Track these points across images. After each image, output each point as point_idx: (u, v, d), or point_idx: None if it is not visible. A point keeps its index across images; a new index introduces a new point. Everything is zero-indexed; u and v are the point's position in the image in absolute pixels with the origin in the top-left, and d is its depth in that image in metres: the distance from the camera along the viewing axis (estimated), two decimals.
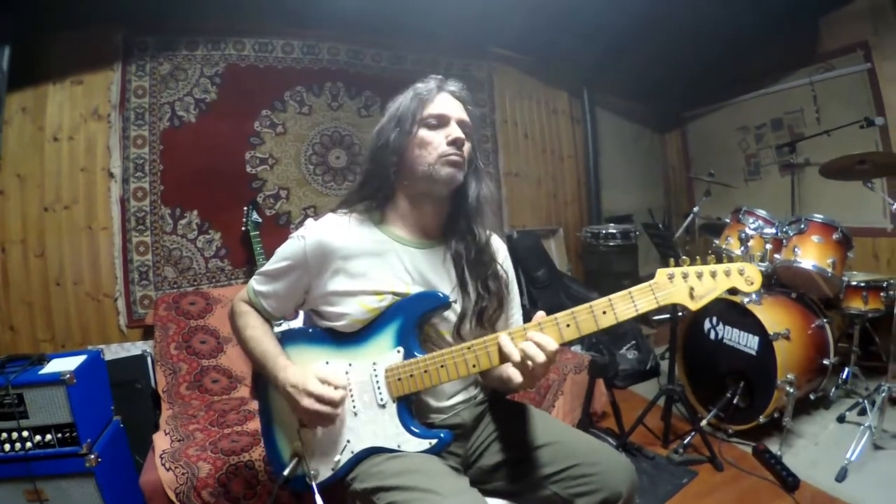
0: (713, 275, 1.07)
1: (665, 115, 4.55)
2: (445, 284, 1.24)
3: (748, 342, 2.36)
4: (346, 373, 1.20)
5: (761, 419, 2.27)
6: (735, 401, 2.35)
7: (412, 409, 1.20)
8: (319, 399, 1.12)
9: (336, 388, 1.14)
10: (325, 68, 3.11)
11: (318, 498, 1.18)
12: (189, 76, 2.80)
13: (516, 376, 1.11)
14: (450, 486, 1.06)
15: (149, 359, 2.50)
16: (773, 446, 2.21)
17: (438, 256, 1.25)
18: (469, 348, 1.12)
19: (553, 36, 3.44)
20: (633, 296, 1.07)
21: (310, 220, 1.27)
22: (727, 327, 2.47)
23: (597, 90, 4.07)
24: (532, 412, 1.33)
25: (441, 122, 1.21)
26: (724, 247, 2.73)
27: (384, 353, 1.18)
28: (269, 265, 1.27)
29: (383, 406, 1.18)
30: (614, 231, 3.65)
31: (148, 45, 2.72)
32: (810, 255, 2.40)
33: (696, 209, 3.29)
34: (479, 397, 1.35)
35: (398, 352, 1.17)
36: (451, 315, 1.24)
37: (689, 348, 2.65)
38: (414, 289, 1.21)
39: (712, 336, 2.53)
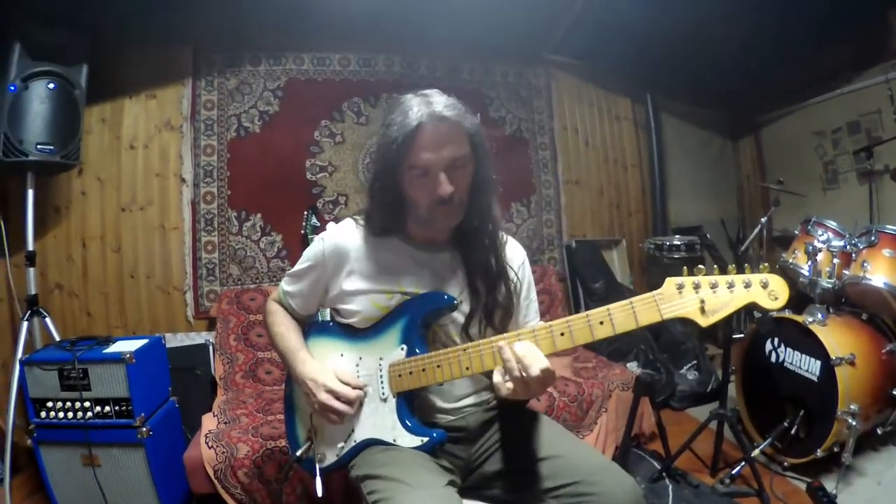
0: (730, 286, 0.95)
1: (736, 120, 4.28)
2: (453, 287, 1.27)
3: (809, 366, 2.15)
4: (357, 365, 1.27)
5: (819, 453, 2.05)
6: (794, 430, 2.15)
7: (412, 405, 1.24)
8: (336, 396, 1.20)
9: (353, 387, 1.22)
10: (382, 80, 3.23)
11: (318, 480, 1.28)
12: (253, 90, 3.02)
13: (502, 386, 1.06)
14: (425, 480, 1.09)
15: (210, 348, 2.71)
16: (831, 484, 2.00)
17: (447, 260, 1.29)
18: (465, 350, 1.14)
19: (609, 41, 3.36)
20: (634, 306, 0.99)
21: (331, 224, 1.37)
22: (789, 349, 2.26)
23: (661, 95, 3.91)
24: (543, 422, 1.31)
25: (425, 172, 1.14)
26: (790, 261, 2.53)
27: (390, 349, 1.24)
28: (296, 266, 1.37)
29: (384, 400, 1.23)
30: (678, 243, 3.48)
31: (215, 61, 2.98)
32: (881, 271, 2.15)
33: (763, 220, 3.06)
34: (491, 402, 1.36)
35: (402, 349, 1.22)
36: (459, 317, 1.26)
37: (749, 371, 2.45)
38: (422, 290, 1.25)
39: (773, 358, 2.33)
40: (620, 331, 1.00)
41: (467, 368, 1.13)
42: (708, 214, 4.08)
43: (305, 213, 2.95)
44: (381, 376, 1.24)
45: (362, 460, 1.22)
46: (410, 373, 1.19)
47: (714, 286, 0.96)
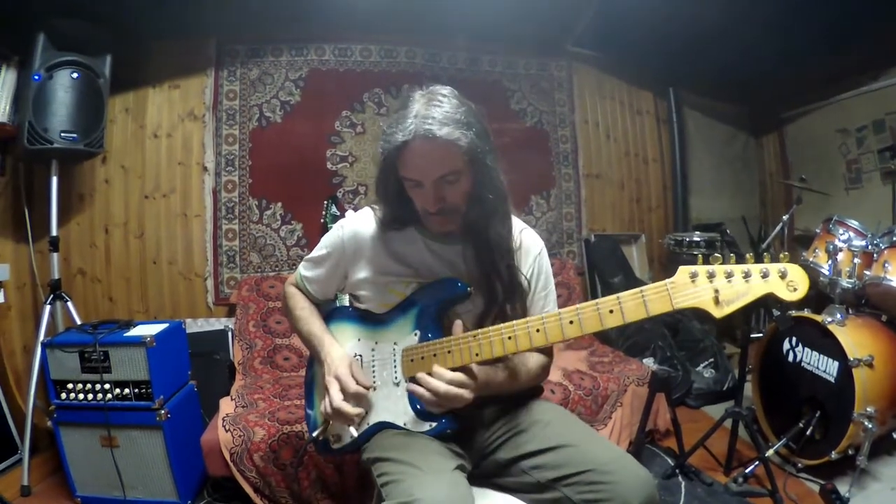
0: (746, 276, 0.90)
1: (760, 116, 4.20)
2: (467, 278, 1.26)
3: (827, 367, 2.12)
4: (372, 350, 1.30)
5: (833, 455, 2.02)
6: (810, 432, 2.12)
7: None
8: (338, 379, 1.23)
9: (359, 383, 1.23)
10: (403, 71, 3.23)
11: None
12: (275, 80, 3.05)
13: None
14: (435, 464, 1.10)
15: (229, 334, 2.76)
16: (845, 486, 1.96)
17: (460, 252, 1.29)
18: (475, 337, 1.14)
19: (631, 34, 3.32)
20: (644, 295, 0.96)
21: (350, 212, 1.39)
22: (806, 349, 2.22)
23: (684, 90, 3.85)
24: (556, 411, 1.32)
25: (417, 184, 1.16)
26: (811, 260, 2.49)
27: (404, 335, 1.26)
28: (314, 252, 1.40)
29: (397, 384, 1.25)
30: (698, 239, 3.42)
31: (238, 53, 3.01)
32: None
33: (785, 218, 3.01)
34: None
35: (415, 335, 1.24)
36: (472, 309, 1.27)
37: (766, 370, 2.42)
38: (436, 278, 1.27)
39: (791, 358, 2.29)
40: (630, 319, 0.98)
41: (477, 355, 1.13)
42: (729, 211, 4.03)
43: (326, 202, 2.97)
44: (395, 361, 1.26)
45: (374, 443, 1.24)
46: (422, 358, 1.20)
47: (729, 276, 0.92)
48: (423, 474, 1.05)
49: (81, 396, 1.90)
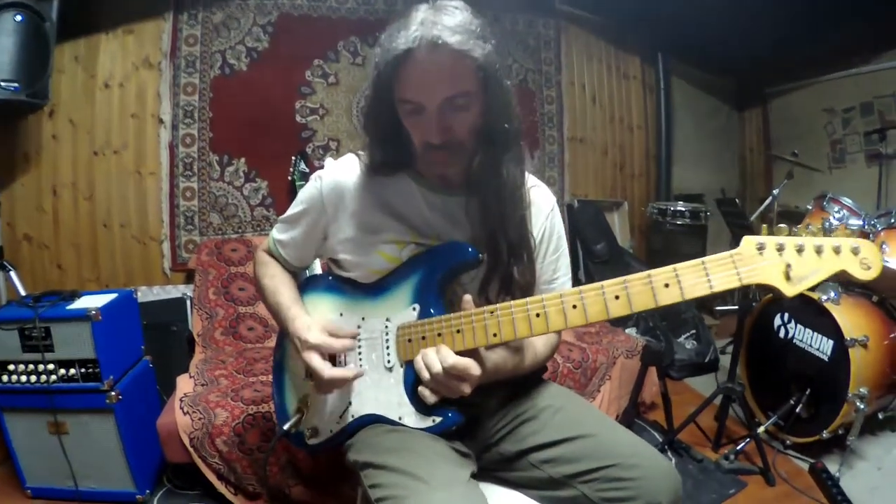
0: (818, 250, 0.81)
1: (744, 90, 4.15)
2: (471, 237, 1.08)
3: (821, 345, 2.08)
4: (359, 327, 1.10)
5: (825, 434, 2.01)
6: (798, 410, 2.10)
7: None
8: (318, 348, 1.02)
9: (341, 336, 1.04)
10: (381, 19, 2.99)
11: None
12: (241, 25, 2.78)
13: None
14: (444, 475, 0.93)
15: (188, 302, 2.55)
16: (833, 465, 1.96)
17: (462, 205, 1.09)
18: (492, 313, 0.95)
19: None
20: (707, 267, 0.83)
21: (329, 160, 1.17)
22: (799, 326, 2.18)
23: (672, 57, 3.73)
24: (566, 396, 1.17)
25: (417, 109, 0.96)
26: (803, 235, 2.45)
27: (399, 309, 1.06)
28: (289, 211, 1.18)
29: (389, 369, 1.06)
30: (683, 209, 3.37)
31: None
32: None
33: (775, 192, 2.97)
34: None
35: (413, 309, 1.05)
36: (476, 274, 1.08)
37: (755, 345, 2.38)
38: (438, 239, 1.08)
39: (782, 334, 2.25)
40: (690, 297, 0.84)
41: (494, 335, 0.95)
42: (709, 184, 3.99)
43: (294, 158, 2.77)
44: (387, 340, 1.06)
45: (362, 442, 1.05)
46: (423, 338, 1.01)
47: (800, 249, 0.82)
48: (431, 490, 0.88)
49: (24, 379, 1.68)
